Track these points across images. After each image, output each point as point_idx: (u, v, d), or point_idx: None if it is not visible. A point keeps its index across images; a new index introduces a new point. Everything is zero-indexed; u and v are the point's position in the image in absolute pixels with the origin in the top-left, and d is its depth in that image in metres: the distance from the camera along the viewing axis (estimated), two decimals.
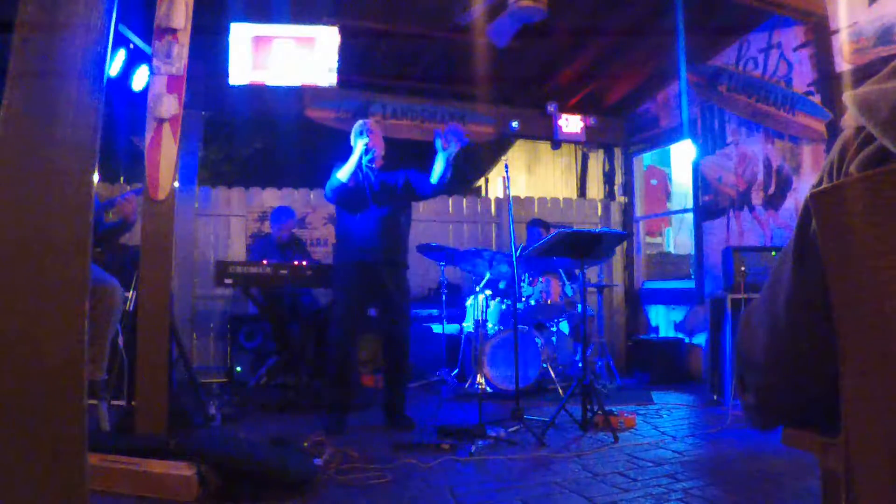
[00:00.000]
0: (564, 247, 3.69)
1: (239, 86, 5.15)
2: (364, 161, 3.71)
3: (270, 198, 6.22)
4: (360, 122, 3.88)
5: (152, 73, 2.85)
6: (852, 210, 0.83)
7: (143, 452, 2.32)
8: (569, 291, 5.13)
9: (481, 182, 11.58)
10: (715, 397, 4.36)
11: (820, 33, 4.49)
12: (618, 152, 7.18)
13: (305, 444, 2.97)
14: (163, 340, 2.83)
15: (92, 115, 1.35)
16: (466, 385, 4.81)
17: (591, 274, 5.76)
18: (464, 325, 5.41)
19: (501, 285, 4.92)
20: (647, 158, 7.36)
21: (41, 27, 1.32)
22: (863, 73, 4.14)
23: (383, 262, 3.65)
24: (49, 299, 1.29)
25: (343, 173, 3.68)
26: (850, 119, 0.91)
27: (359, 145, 3.68)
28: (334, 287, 3.88)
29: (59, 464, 1.25)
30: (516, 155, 9.80)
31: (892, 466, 0.79)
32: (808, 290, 0.98)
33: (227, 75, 5.09)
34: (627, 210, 7.08)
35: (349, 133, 3.86)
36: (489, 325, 4.86)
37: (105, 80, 1.38)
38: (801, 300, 1.01)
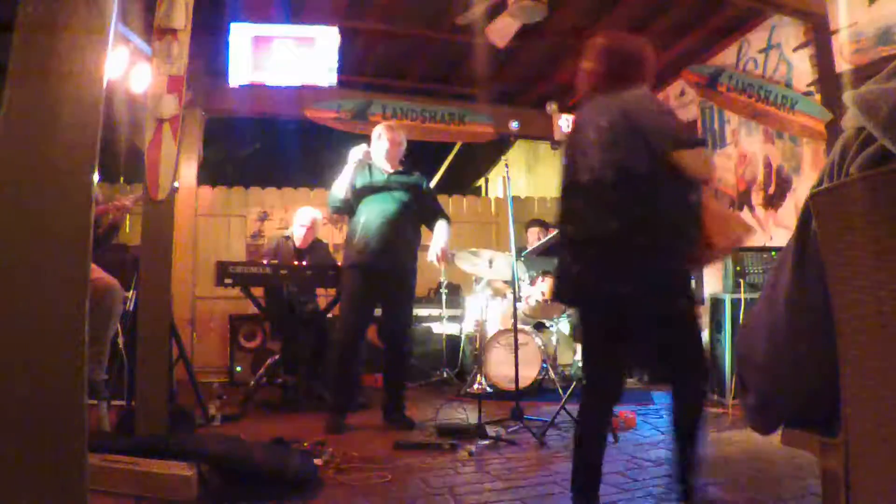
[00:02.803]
0: None
1: (239, 86, 5.14)
2: (373, 166, 3.76)
3: (270, 198, 6.22)
4: (377, 126, 3.94)
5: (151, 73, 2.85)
6: (852, 210, 0.83)
7: (143, 452, 2.32)
8: None
9: (481, 182, 11.59)
10: (715, 397, 4.36)
11: (820, 33, 4.49)
12: None
13: (305, 444, 2.97)
14: (163, 340, 2.82)
15: (92, 115, 1.35)
16: (466, 385, 4.81)
17: None
18: (463, 325, 5.41)
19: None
20: None
21: (41, 27, 1.32)
22: (863, 73, 4.14)
23: (387, 266, 3.64)
24: (49, 299, 1.29)
25: (338, 188, 3.73)
26: (851, 120, 0.91)
27: (351, 160, 3.72)
28: (341, 288, 3.88)
29: (59, 464, 1.25)
30: (516, 155, 9.80)
31: (892, 466, 0.79)
32: (807, 290, 0.99)
33: (227, 75, 5.09)
34: None
35: (349, 133, 3.87)
36: (489, 325, 4.86)
37: (105, 80, 1.38)
38: (801, 300, 1.01)
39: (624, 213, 1.93)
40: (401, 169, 3.84)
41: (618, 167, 1.93)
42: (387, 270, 3.63)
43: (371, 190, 3.69)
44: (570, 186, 2.13)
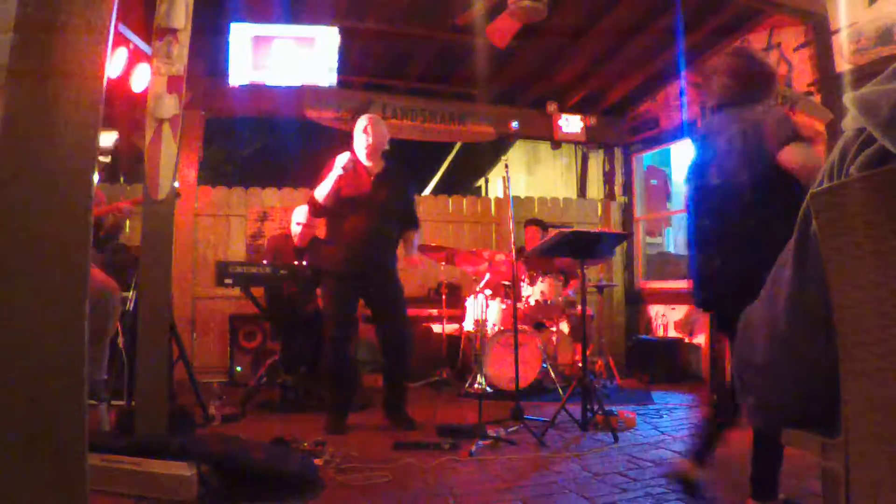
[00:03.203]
0: (565, 247, 3.69)
1: (239, 86, 5.14)
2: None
3: (270, 198, 6.22)
4: (360, 119, 3.83)
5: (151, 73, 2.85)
6: (852, 210, 0.83)
7: (143, 452, 2.32)
8: (569, 292, 5.12)
9: (481, 182, 11.58)
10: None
11: (820, 33, 4.50)
12: (618, 152, 7.18)
13: (305, 444, 2.97)
14: (163, 340, 2.82)
15: (92, 115, 1.35)
16: (466, 385, 4.81)
17: (591, 274, 5.76)
18: (463, 325, 5.41)
19: None
20: (647, 158, 7.36)
21: (41, 27, 1.32)
22: (863, 73, 4.14)
23: (370, 268, 3.63)
24: (49, 299, 1.29)
25: (321, 194, 3.66)
26: (851, 121, 0.91)
27: (337, 166, 3.63)
28: (324, 288, 3.87)
29: (59, 464, 1.25)
30: (516, 155, 9.79)
31: (891, 466, 0.79)
32: (807, 290, 0.98)
33: (227, 75, 5.09)
34: (627, 210, 7.07)
35: (349, 133, 3.85)
36: (489, 325, 4.86)
37: (105, 80, 1.38)
38: (801, 300, 1.01)
39: (757, 211, 2.12)
40: (384, 166, 3.79)
41: (749, 171, 2.15)
42: (370, 274, 3.64)
43: (357, 200, 3.66)
44: (705, 186, 2.34)
